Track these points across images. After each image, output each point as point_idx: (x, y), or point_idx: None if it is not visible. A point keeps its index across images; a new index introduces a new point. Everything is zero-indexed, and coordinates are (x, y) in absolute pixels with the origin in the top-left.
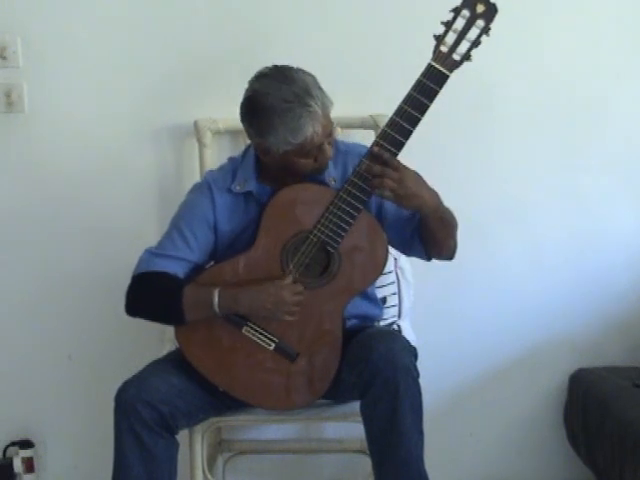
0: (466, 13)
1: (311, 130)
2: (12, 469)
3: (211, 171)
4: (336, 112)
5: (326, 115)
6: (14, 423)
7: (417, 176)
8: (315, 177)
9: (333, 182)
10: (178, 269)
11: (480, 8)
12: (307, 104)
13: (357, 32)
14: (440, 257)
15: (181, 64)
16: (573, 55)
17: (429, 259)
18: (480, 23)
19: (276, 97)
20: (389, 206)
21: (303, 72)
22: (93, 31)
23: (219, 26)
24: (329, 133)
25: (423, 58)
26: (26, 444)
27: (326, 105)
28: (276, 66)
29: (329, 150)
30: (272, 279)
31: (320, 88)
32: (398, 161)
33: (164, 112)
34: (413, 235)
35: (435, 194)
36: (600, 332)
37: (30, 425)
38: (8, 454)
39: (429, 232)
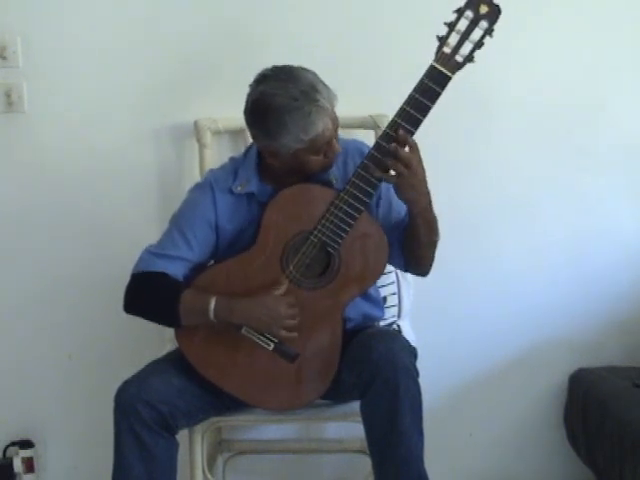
0: (469, 14)
1: (322, 125)
2: (12, 469)
3: (213, 170)
4: (336, 112)
5: (333, 109)
6: (14, 423)
7: (424, 171)
8: (318, 176)
9: (335, 181)
10: (178, 269)
11: (483, 9)
12: (315, 99)
13: (357, 32)
14: (416, 269)
15: (181, 64)
16: (572, 55)
17: (405, 270)
18: (483, 24)
19: (284, 96)
20: (380, 211)
21: (303, 69)
22: (93, 31)
23: (219, 26)
24: (337, 127)
25: (423, 58)
26: (26, 444)
27: (332, 99)
28: (276, 66)
29: (336, 145)
30: (271, 281)
31: (323, 83)
32: (416, 143)
33: (164, 112)
34: (396, 243)
35: (430, 196)
36: (600, 332)
37: (30, 425)
38: (8, 454)
39: (413, 234)
